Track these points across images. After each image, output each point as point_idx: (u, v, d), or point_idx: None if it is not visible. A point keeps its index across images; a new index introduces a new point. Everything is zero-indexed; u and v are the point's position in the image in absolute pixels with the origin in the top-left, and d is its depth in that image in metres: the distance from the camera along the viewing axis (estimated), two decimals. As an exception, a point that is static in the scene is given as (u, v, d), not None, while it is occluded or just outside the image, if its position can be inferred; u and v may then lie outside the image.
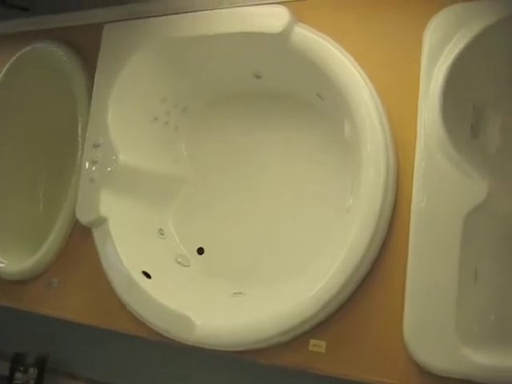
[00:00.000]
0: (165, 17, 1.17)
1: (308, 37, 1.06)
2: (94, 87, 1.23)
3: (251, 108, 1.31)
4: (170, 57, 1.21)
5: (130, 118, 1.23)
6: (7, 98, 1.41)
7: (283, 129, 1.27)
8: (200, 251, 1.30)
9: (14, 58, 1.37)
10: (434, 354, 0.88)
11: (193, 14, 1.13)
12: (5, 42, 1.42)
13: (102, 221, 1.17)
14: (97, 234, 1.18)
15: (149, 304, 1.09)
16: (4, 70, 1.39)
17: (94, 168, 1.19)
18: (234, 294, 1.19)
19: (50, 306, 1.24)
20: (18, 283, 1.29)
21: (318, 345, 0.99)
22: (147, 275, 1.16)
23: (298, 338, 1.00)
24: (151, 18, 1.19)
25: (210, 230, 1.31)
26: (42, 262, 1.25)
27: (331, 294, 0.95)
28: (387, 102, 1.02)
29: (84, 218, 1.19)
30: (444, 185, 0.93)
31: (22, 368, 1.38)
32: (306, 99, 1.21)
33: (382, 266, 0.97)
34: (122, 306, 1.13)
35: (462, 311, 0.89)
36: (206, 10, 1.12)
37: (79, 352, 1.38)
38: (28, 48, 1.35)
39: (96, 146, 1.19)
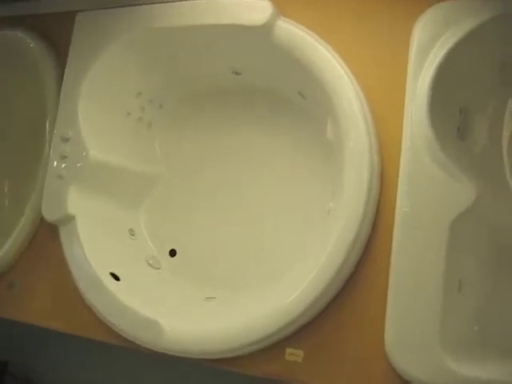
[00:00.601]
0: (140, 6, 1.11)
1: (291, 31, 1.01)
2: (65, 78, 1.16)
3: (230, 106, 1.26)
4: (145, 49, 1.16)
5: (101, 112, 1.17)
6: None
7: (263, 128, 1.22)
8: (172, 253, 1.25)
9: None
10: (416, 364, 0.84)
11: (170, 4, 1.07)
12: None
13: (69, 219, 1.10)
14: (63, 232, 1.11)
15: (115, 307, 1.02)
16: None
17: (62, 163, 1.12)
18: (207, 298, 1.13)
19: (10, 308, 1.16)
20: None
21: (294, 354, 0.94)
22: (115, 277, 1.09)
23: (274, 346, 0.95)
24: (126, 8, 1.13)
25: (183, 232, 1.25)
26: (3, 262, 1.17)
27: (309, 300, 0.90)
28: (373, 101, 0.97)
29: (50, 215, 1.12)
30: (430, 188, 0.89)
31: (-21, 373, 1.31)
32: (287, 97, 1.17)
33: (363, 272, 0.92)
34: (89, 309, 1.07)
35: (447, 320, 0.85)
36: (184, 0, 1.07)
37: (41, 357, 1.31)
38: (-6, 37, 1.28)
39: (65, 140, 1.12)
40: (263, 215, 1.19)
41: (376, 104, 0.97)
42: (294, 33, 1.02)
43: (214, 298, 1.13)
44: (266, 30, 1.02)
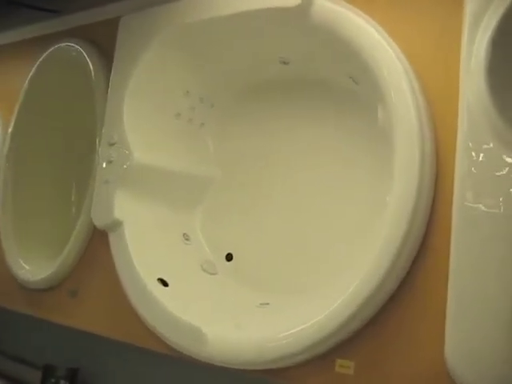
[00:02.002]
0: (178, 1, 1.07)
1: (331, 9, 0.92)
2: (110, 83, 1.15)
3: (282, 99, 1.18)
4: (186, 45, 1.12)
5: (148, 114, 1.15)
6: (35, 101, 1.38)
7: (319, 121, 1.13)
8: (229, 257, 1.19)
9: (38, 61, 1.34)
10: (482, 381, 0.71)
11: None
12: (29, 45, 1.39)
13: (117, 224, 1.09)
14: (112, 238, 1.10)
15: (160, 314, 0.99)
16: (30, 73, 1.36)
17: (108, 168, 1.11)
18: (261, 304, 1.06)
19: (70, 316, 1.17)
20: (41, 291, 1.24)
21: (345, 365, 0.84)
22: (164, 283, 1.06)
23: (324, 356, 0.86)
24: (166, 5, 1.10)
25: (239, 235, 1.19)
26: (61, 269, 1.19)
27: (354, 307, 0.80)
28: (425, 80, 0.86)
29: (99, 221, 1.11)
30: (494, 175, 0.76)
31: (53, 380, 1.33)
32: (340, 85, 1.07)
33: (418, 275, 0.80)
34: (137, 317, 1.04)
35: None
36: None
37: (109, 366, 1.31)
38: (51, 49, 1.32)
39: (111, 144, 1.11)
40: (318, 217, 1.09)
41: (429, 83, 0.86)
42: (333, 11, 0.92)
43: (267, 303, 1.06)
44: (302, 10, 0.93)
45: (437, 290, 0.78)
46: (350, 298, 0.83)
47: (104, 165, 1.11)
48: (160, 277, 1.06)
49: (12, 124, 1.40)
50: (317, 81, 1.10)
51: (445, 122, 0.83)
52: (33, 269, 1.26)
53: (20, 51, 1.46)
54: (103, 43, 1.24)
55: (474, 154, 0.78)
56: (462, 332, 0.74)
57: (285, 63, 1.12)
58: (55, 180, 1.44)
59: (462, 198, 0.78)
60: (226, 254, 1.19)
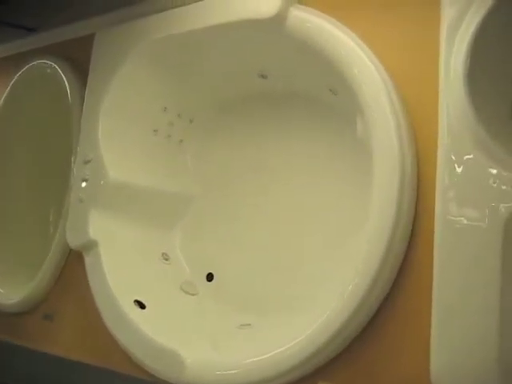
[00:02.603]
0: (153, 15, 1.05)
1: (306, 20, 0.90)
2: (85, 99, 1.13)
3: (262, 113, 1.15)
4: (166, 59, 1.09)
5: (124, 131, 1.12)
6: (10, 120, 1.35)
7: (298, 134, 1.11)
8: (209, 277, 1.15)
9: (12, 80, 1.31)
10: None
11: (177, 9, 1.01)
12: (2, 64, 1.37)
13: (92, 245, 1.05)
14: (88, 259, 1.06)
15: (136, 338, 0.94)
16: (5, 93, 1.33)
17: (83, 186, 1.07)
18: (241, 325, 1.02)
19: (46, 341, 1.13)
20: (15, 315, 1.19)
21: (327, 388, 0.80)
22: (141, 305, 1.02)
23: (305, 379, 0.82)
24: (141, 19, 1.08)
25: (221, 254, 1.15)
26: (36, 292, 1.14)
27: (335, 327, 0.76)
28: (404, 90, 0.83)
29: (74, 242, 1.07)
30: (477, 187, 0.73)
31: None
32: (318, 97, 1.05)
33: (400, 292, 0.77)
34: (114, 341, 1.00)
35: (506, 346, 0.68)
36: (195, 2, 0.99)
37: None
38: (25, 67, 1.29)
39: (86, 162, 1.08)
40: (301, 234, 1.06)
41: (408, 94, 0.83)
42: (309, 21, 0.90)
43: (248, 324, 1.02)
44: (277, 21, 0.91)
45: (420, 307, 0.74)
46: (330, 319, 0.79)
47: (78, 183, 1.08)
48: (137, 298, 1.02)
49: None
50: (296, 93, 1.08)
51: (425, 133, 0.80)
52: (7, 292, 1.22)
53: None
54: (79, 60, 1.21)
55: (455, 165, 0.76)
56: (447, 349, 0.71)
57: (263, 77, 1.09)
58: (32, 200, 1.40)
59: (445, 211, 0.75)
60: (206, 273, 1.15)
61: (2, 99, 1.35)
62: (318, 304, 0.89)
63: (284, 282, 1.05)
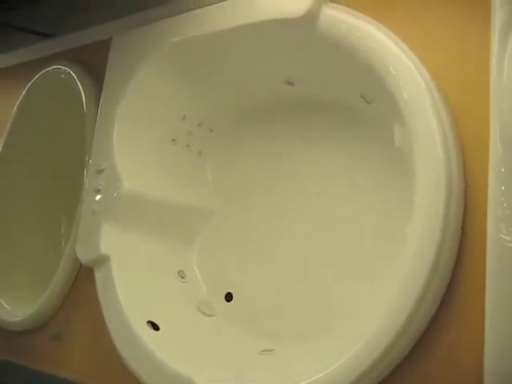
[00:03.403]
0: (173, 17, 0.99)
1: (340, 19, 0.83)
2: (100, 105, 1.06)
3: (288, 122, 1.08)
4: (186, 64, 1.03)
5: (140, 139, 1.05)
6: (24, 128, 1.30)
7: (328, 144, 1.03)
8: (228, 297, 1.08)
9: (26, 87, 1.26)
10: None
11: (198, 11, 0.94)
12: (18, 70, 1.32)
13: (103, 260, 0.98)
14: (98, 275, 0.99)
15: (148, 362, 0.86)
16: (19, 99, 1.28)
17: (96, 198, 1.01)
18: (262, 351, 0.94)
19: (52, 363, 1.05)
20: (21, 334, 1.12)
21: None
22: (155, 326, 0.94)
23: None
24: (160, 21, 1.01)
25: (241, 273, 1.08)
26: (43, 310, 1.07)
27: (371, 357, 0.68)
28: (449, 95, 0.75)
29: (84, 256, 1.00)
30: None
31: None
32: (349, 105, 0.98)
33: (447, 317, 0.69)
34: (124, 365, 0.92)
35: None
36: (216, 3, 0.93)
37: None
38: (40, 73, 1.24)
39: (99, 171, 1.01)
40: (327, 253, 0.98)
41: (455, 101, 0.75)
42: (343, 21, 0.83)
43: (271, 350, 0.94)
44: (308, 20, 0.84)
45: (470, 338, 0.66)
46: (367, 347, 0.70)
47: (91, 194, 1.01)
48: (150, 319, 0.94)
49: (-1, 150, 1.32)
50: (324, 102, 1.01)
51: (474, 144, 0.72)
52: (14, 309, 1.15)
53: (9, 77, 1.39)
54: (95, 65, 1.15)
55: (508, 179, 0.68)
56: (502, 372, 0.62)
57: (290, 83, 1.03)
58: (44, 211, 1.33)
59: (497, 229, 0.67)
60: (225, 293, 1.08)
61: (16, 106, 1.29)
62: (350, 331, 0.81)
63: (310, 303, 0.97)
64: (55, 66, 1.22)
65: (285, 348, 0.92)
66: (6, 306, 1.16)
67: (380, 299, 0.75)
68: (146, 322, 0.93)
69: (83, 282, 1.05)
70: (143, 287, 0.99)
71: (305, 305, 0.98)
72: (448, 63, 0.77)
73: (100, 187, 1.00)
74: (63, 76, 1.19)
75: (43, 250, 1.29)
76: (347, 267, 0.95)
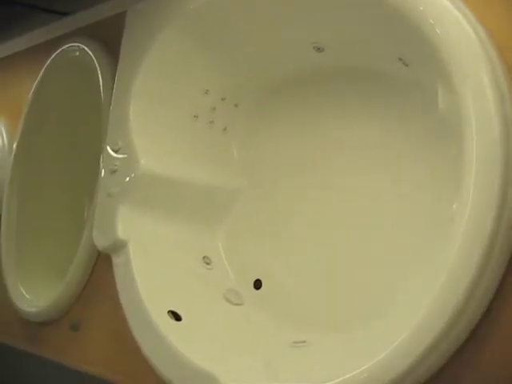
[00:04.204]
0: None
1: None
2: (116, 81, 1.00)
3: (316, 95, 0.99)
4: (206, 34, 0.95)
5: (159, 116, 0.98)
6: (42, 109, 1.25)
7: (362, 117, 0.94)
8: (257, 285, 1.00)
9: (43, 67, 1.21)
10: None
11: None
12: (34, 51, 1.28)
13: (121, 245, 0.91)
14: (116, 261, 0.92)
15: (168, 355, 0.79)
16: (36, 80, 1.23)
17: (112, 179, 0.94)
18: (295, 342, 0.86)
19: (70, 354, 1.00)
20: (40, 324, 1.07)
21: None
22: (176, 316, 0.87)
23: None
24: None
25: (270, 258, 1.00)
26: (62, 300, 1.02)
27: (416, 351, 0.59)
28: (507, 55, 0.65)
29: (101, 242, 0.94)
30: None
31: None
32: (384, 71, 0.88)
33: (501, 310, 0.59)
34: (143, 359, 0.85)
35: None
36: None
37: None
38: (56, 52, 1.19)
39: (115, 151, 0.95)
40: (364, 235, 0.89)
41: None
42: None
43: (303, 342, 0.86)
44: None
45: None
46: (411, 339, 0.61)
47: (106, 175, 0.95)
48: (172, 309, 0.87)
49: (18, 134, 1.26)
50: (357, 68, 0.91)
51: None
52: (33, 298, 1.10)
53: (27, 59, 1.35)
54: (110, 40, 1.09)
55: None
56: None
57: (319, 50, 0.93)
58: (66, 196, 1.28)
59: None
60: (254, 280, 1.00)
61: (33, 88, 1.25)
62: (389, 323, 0.72)
63: (344, 292, 0.88)
64: (70, 44, 1.16)
65: (318, 340, 0.84)
66: (26, 295, 1.12)
67: (426, 287, 0.66)
68: (166, 312, 0.87)
69: (102, 269, 1.00)
70: (164, 275, 0.93)
71: (339, 293, 0.89)
72: (506, 19, 0.66)
73: (116, 167, 0.94)
74: (78, 53, 1.14)
75: (66, 237, 1.23)
76: (386, 254, 0.85)
